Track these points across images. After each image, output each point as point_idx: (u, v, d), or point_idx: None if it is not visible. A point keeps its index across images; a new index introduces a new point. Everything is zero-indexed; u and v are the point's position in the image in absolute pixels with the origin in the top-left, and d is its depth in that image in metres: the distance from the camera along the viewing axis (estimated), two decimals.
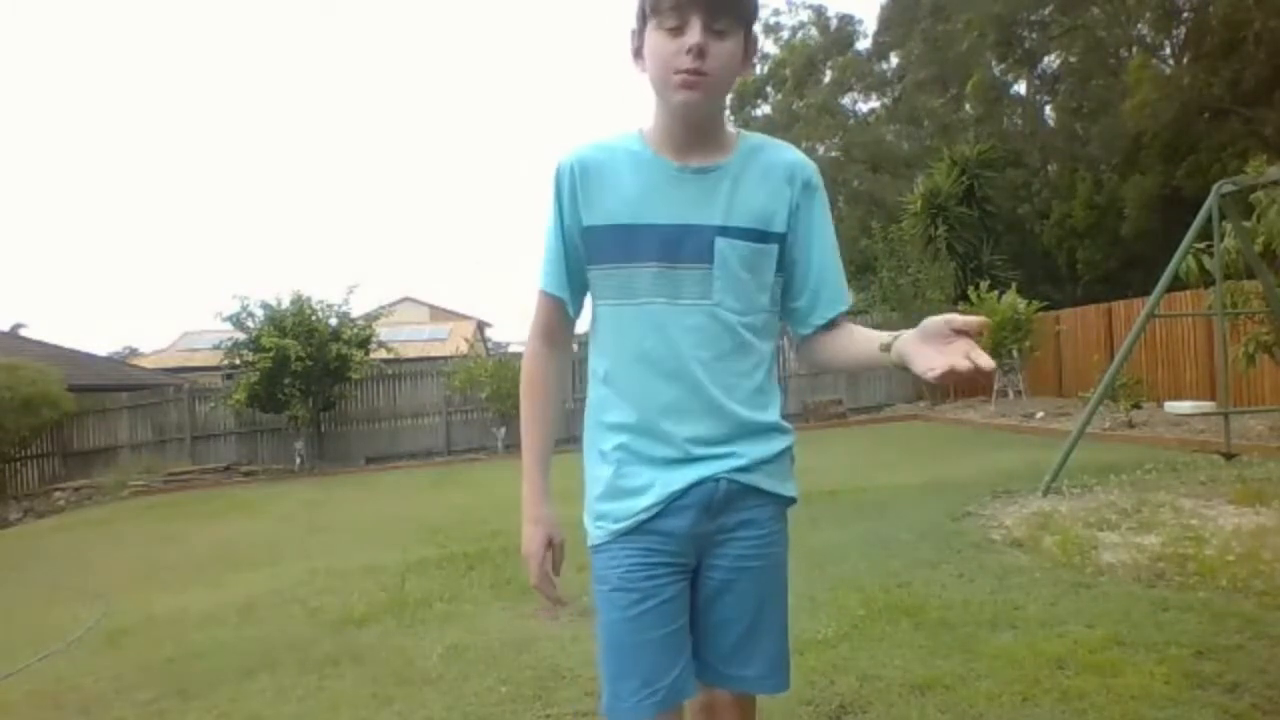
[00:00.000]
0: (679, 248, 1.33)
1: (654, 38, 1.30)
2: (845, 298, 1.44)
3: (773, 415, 1.40)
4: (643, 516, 1.34)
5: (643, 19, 1.33)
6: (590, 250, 1.38)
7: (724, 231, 1.33)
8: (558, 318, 1.45)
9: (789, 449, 1.43)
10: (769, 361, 1.41)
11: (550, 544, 1.42)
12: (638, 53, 1.35)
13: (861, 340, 1.36)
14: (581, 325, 1.52)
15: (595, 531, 1.40)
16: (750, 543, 1.38)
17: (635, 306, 1.35)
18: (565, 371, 1.52)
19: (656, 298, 1.33)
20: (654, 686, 1.32)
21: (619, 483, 1.36)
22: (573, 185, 1.37)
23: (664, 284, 1.33)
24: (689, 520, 1.34)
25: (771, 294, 1.40)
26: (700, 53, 1.25)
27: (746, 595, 1.39)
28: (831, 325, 1.43)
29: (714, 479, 1.34)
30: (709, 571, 1.39)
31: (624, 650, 1.35)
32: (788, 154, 1.42)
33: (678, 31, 1.27)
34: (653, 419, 1.33)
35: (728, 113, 1.47)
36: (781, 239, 1.38)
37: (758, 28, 1.42)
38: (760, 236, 1.35)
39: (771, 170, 1.38)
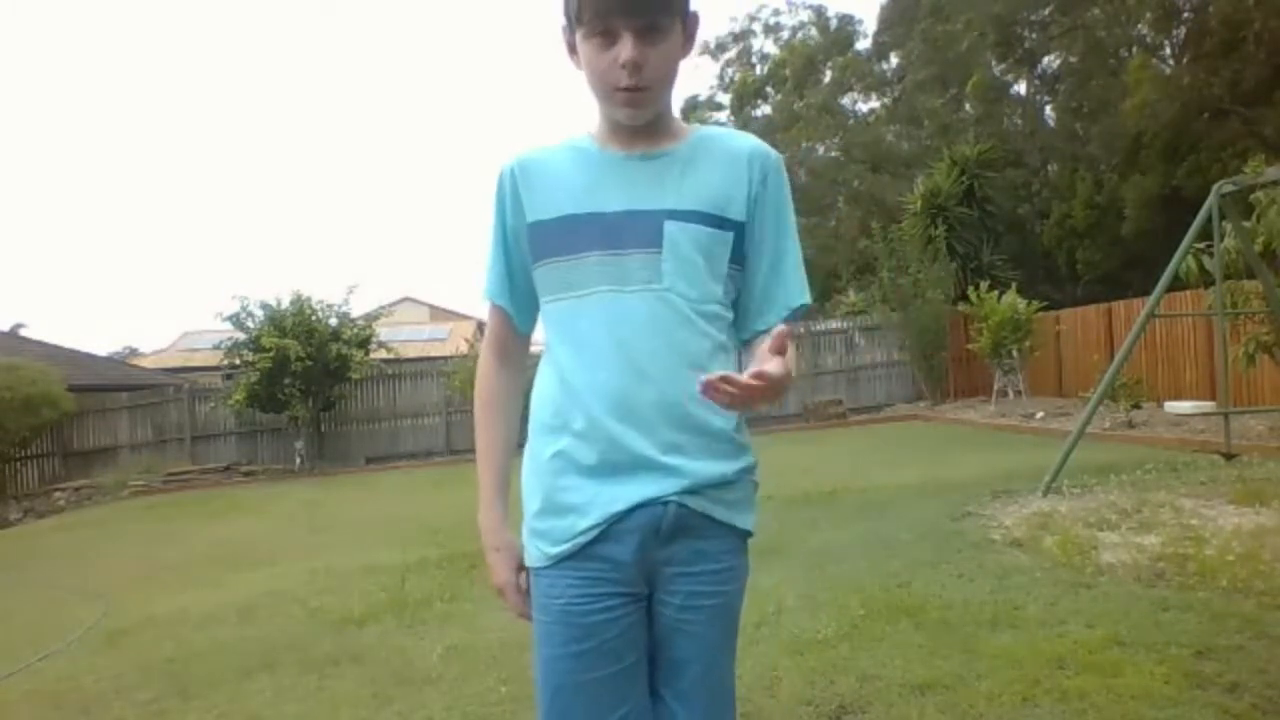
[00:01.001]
0: (624, 233, 1.23)
1: (585, 46, 1.20)
2: (788, 305, 1.30)
3: (730, 420, 1.26)
4: (582, 540, 1.22)
5: (569, 20, 1.23)
6: (535, 248, 1.30)
7: (674, 215, 1.24)
8: (505, 330, 1.40)
9: (748, 471, 1.30)
10: (729, 357, 1.28)
11: (521, 569, 1.34)
12: (573, 48, 1.26)
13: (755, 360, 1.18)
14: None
15: (533, 553, 1.29)
16: (704, 578, 1.26)
17: (579, 298, 1.25)
18: (519, 390, 1.44)
19: (601, 286, 1.23)
20: None
21: (556, 496, 1.25)
22: (514, 186, 1.31)
23: (609, 271, 1.23)
24: (632, 546, 1.22)
25: (725, 286, 1.28)
26: (636, 68, 1.17)
27: (702, 636, 1.27)
28: (758, 337, 1.30)
29: (661, 502, 1.21)
30: (661, 607, 1.27)
31: (563, 691, 1.23)
32: (748, 140, 1.33)
33: (608, 40, 1.17)
34: (598, 418, 1.21)
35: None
36: (739, 227, 1.28)
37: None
38: (716, 222, 1.25)
39: (730, 155, 1.29)
